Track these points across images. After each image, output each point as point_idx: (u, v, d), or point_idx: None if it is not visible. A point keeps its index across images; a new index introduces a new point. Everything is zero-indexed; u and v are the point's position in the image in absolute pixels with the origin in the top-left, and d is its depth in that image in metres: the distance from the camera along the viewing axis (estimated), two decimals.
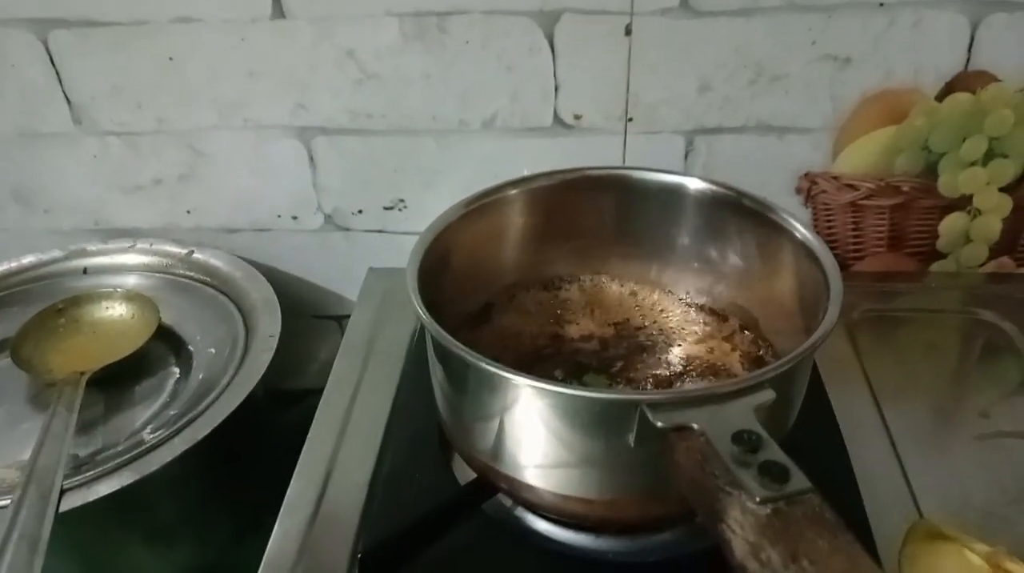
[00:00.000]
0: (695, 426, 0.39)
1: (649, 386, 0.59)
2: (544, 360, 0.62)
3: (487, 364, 0.44)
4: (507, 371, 0.44)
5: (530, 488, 0.49)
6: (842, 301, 0.48)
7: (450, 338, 0.46)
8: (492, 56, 0.71)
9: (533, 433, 0.46)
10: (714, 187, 0.60)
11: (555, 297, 0.66)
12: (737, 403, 0.41)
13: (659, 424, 0.40)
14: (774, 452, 0.37)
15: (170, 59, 0.73)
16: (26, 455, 0.59)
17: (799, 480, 0.36)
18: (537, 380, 0.43)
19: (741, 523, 0.35)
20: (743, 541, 0.35)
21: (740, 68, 0.69)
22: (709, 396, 0.41)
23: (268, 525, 0.56)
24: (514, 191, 0.62)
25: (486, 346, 0.61)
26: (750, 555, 0.34)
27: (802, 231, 0.55)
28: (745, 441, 0.38)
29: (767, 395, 0.41)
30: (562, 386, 0.44)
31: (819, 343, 0.45)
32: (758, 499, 0.35)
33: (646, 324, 0.64)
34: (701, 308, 0.64)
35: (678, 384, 0.58)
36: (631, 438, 0.42)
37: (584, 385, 0.59)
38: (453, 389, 0.51)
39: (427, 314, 0.48)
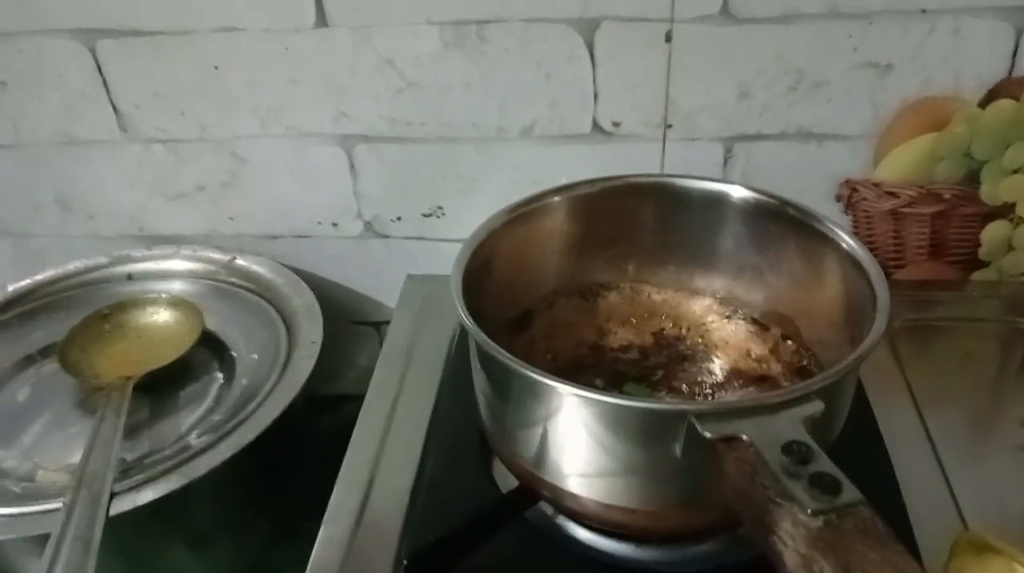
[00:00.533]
0: (744, 437, 0.39)
1: (694, 396, 0.59)
2: (584, 369, 0.62)
3: (534, 372, 0.44)
4: (554, 380, 0.44)
5: (572, 496, 0.49)
6: (889, 312, 0.48)
7: (496, 346, 0.46)
8: (531, 64, 0.71)
9: (577, 442, 0.46)
10: (757, 195, 0.60)
11: (595, 305, 0.66)
12: (786, 414, 0.40)
13: (708, 434, 0.40)
14: (824, 464, 0.37)
15: (215, 68, 0.74)
16: (75, 458, 0.60)
17: (850, 492, 0.36)
18: (584, 389, 0.43)
19: (792, 535, 0.35)
20: (794, 553, 0.35)
21: (780, 75, 0.69)
22: (758, 407, 0.41)
23: (305, 530, 0.57)
24: (557, 198, 0.62)
25: (526, 354, 0.61)
26: (802, 567, 0.35)
27: (848, 241, 0.54)
28: (795, 452, 0.38)
29: (816, 406, 0.41)
30: (609, 395, 0.44)
31: (866, 354, 0.45)
32: (809, 511, 0.35)
33: (686, 333, 0.64)
34: (743, 317, 0.64)
35: (720, 394, 0.58)
36: (677, 448, 0.42)
37: (625, 394, 0.59)
38: (496, 396, 0.52)
39: (472, 322, 0.48)
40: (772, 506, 0.37)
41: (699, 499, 0.47)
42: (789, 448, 0.38)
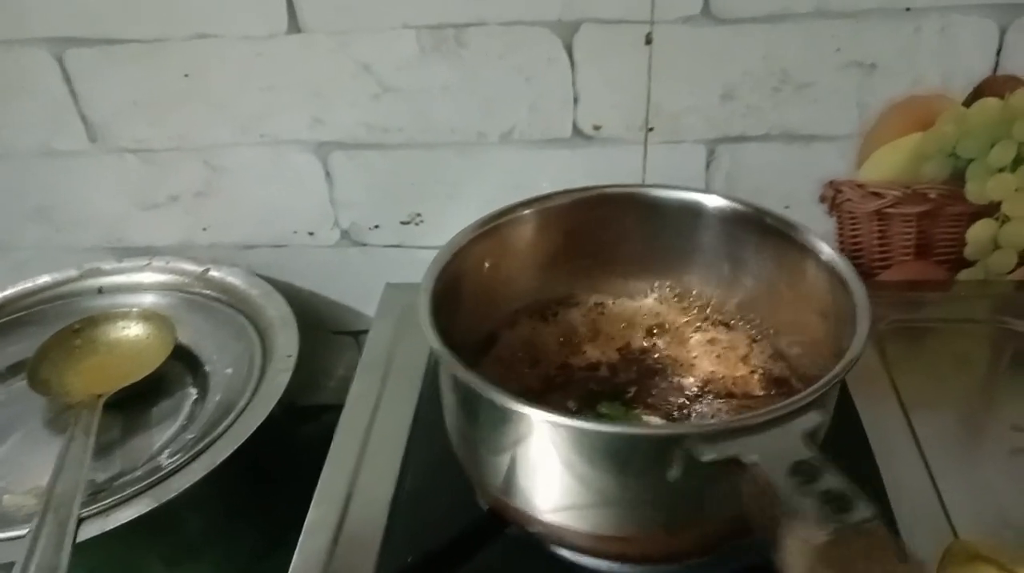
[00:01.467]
0: (746, 459, 0.38)
1: (670, 413, 0.57)
2: (555, 389, 0.60)
3: (513, 398, 0.43)
4: (535, 407, 0.42)
5: (544, 524, 0.48)
6: (870, 321, 0.47)
7: (466, 370, 0.45)
8: (510, 67, 0.70)
9: (554, 470, 0.45)
10: (734, 204, 0.59)
11: (566, 319, 0.64)
12: (787, 429, 0.39)
13: (707, 458, 0.39)
14: (834, 480, 0.36)
15: (186, 76, 0.72)
16: (44, 480, 0.58)
17: (863, 508, 0.35)
18: (567, 416, 0.42)
19: (801, 551, 0.35)
20: (800, 569, 0.35)
21: (764, 76, 0.68)
22: (759, 425, 0.40)
23: (289, 541, 0.55)
24: (527, 211, 0.61)
25: (493, 374, 0.59)
26: None
27: (826, 250, 0.53)
28: (803, 472, 0.37)
29: (815, 419, 0.40)
30: (594, 422, 0.43)
31: (852, 363, 0.44)
32: (818, 529, 0.34)
33: (661, 346, 0.62)
34: (716, 326, 0.62)
35: (697, 408, 0.57)
36: (671, 473, 0.41)
37: (599, 415, 0.57)
38: (467, 421, 0.50)
39: (441, 344, 0.46)
40: (782, 524, 0.36)
41: (690, 523, 0.46)
42: (797, 468, 0.37)
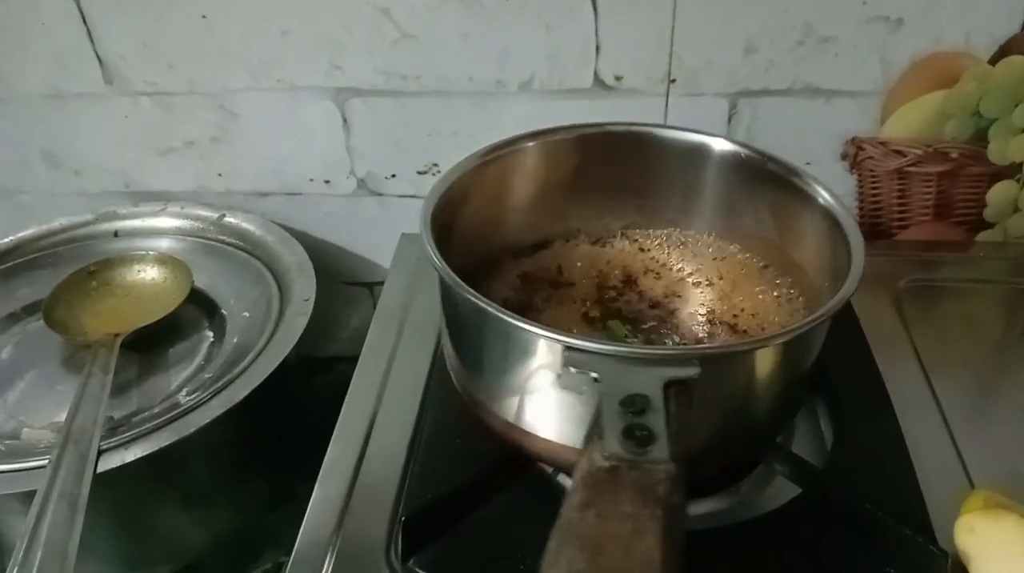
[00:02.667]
0: (594, 376, 0.40)
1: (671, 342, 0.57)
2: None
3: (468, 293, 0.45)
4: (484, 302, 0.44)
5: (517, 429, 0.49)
6: (861, 276, 0.46)
7: (455, 277, 0.46)
8: (531, 15, 0.69)
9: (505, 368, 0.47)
10: (738, 148, 0.58)
11: (567, 252, 0.64)
12: (649, 370, 0.40)
13: (571, 369, 0.41)
14: (653, 420, 0.37)
15: (203, 17, 0.72)
16: (61, 417, 0.59)
17: (657, 450, 0.36)
18: (504, 312, 0.44)
19: (580, 467, 0.36)
20: (573, 484, 0.36)
21: (787, 29, 0.67)
22: (621, 355, 0.41)
23: (301, 493, 0.56)
24: (531, 143, 0.60)
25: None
26: (566, 495, 0.35)
27: (826, 197, 0.53)
28: (632, 403, 0.38)
29: (687, 371, 0.40)
30: (513, 317, 0.43)
31: (788, 334, 0.45)
32: (606, 453, 0.35)
33: (657, 285, 0.62)
34: (718, 269, 0.62)
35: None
36: (558, 378, 0.43)
37: (605, 327, 0.58)
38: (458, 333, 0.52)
39: (441, 260, 0.47)
40: (587, 442, 0.37)
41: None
42: (630, 399, 0.38)
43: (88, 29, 0.74)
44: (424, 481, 0.54)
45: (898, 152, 0.69)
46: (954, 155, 0.69)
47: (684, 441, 0.37)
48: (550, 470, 0.54)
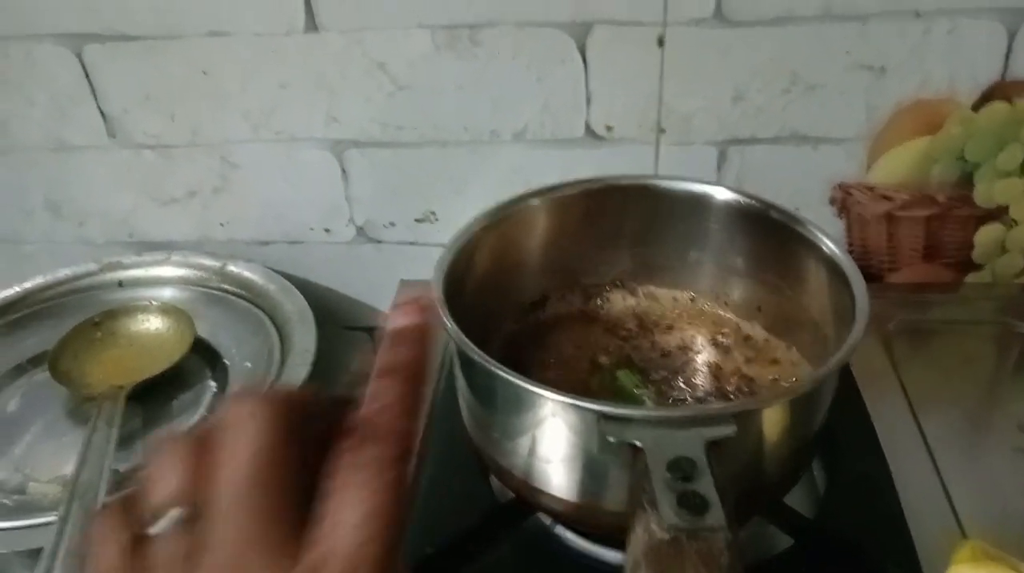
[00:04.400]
0: (638, 444, 0.40)
1: (683, 398, 0.58)
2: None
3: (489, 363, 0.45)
4: (504, 370, 0.45)
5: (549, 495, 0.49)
6: (867, 323, 0.47)
7: (473, 346, 0.47)
8: (523, 67, 0.71)
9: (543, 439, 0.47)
10: (741, 197, 0.60)
11: (588, 307, 0.66)
12: (689, 431, 0.40)
13: (610, 438, 0.41)
14: (704, 485, 0.37)
15: (204, 72, 0.73)
16: (67, 469, 0.60)
17: (713, 517, 0.36)
18: (518, 378, 0.44)
19: (639, 539, 0.36)
20: (631, 557, 0.36)
21: (774, 78, 0.69)
22: (661, 419, 0.42)
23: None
24: (536, 201, 0.62)
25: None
26: (629, 570, 0.36)
27: (829, 246, 0.54)
28: (680, 468, 0.38)
29: (725, 430, 0.41)
30: (541, 387, 0.44)
31: (799, 390, 0.46)
32: (665, 524, 0.36)
33: (668, 337, 0.64)
34: (722, 319, 0.64)
35: (711, 399, 0.58)
36: (594, 448, 0.43)
37: (615, 378, 0.59)
38: (479, 402, 0.52)
39: (455, 326, 0.48)
40: (639, 511, 0.38)
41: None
42: (676, 464, 0.38)
43: (91, 83, 0.75)
44: (423, 533, 0.55)
45: (886, 197, 0.71)
46: (941, 199, 0.71)
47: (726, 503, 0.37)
48: (549, 521, 0.55)
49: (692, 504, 0.36)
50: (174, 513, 0.26)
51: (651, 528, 0.36)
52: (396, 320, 0.29)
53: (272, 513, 0.25)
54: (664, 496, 0.37)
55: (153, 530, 0.27)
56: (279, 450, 0.26)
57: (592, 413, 0.42)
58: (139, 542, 0.27)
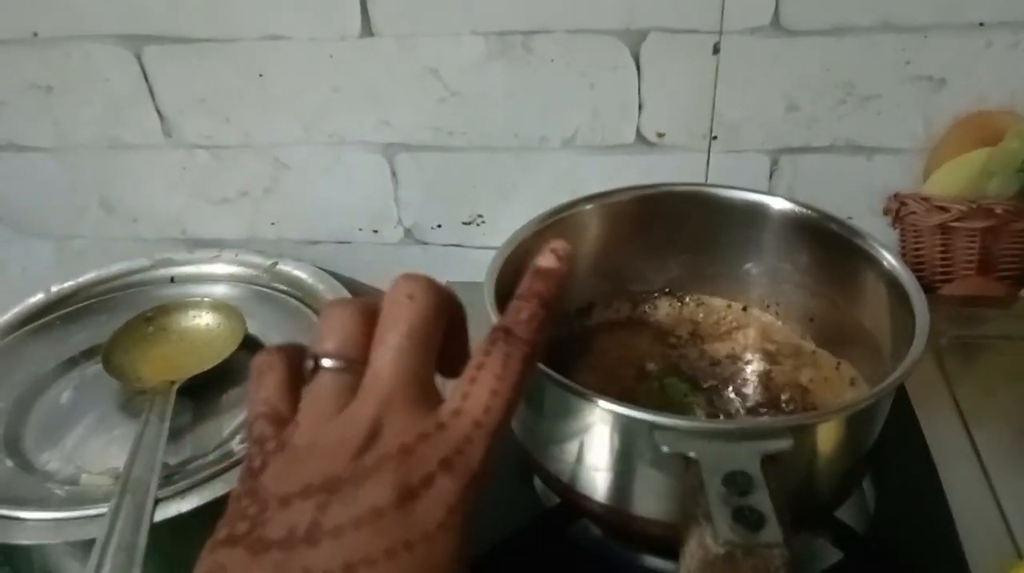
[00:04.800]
0: (692, 455, 0.40)
1: (731, 410, 0.58)
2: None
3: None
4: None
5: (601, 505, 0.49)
6: (928, 338, 0.46)
7: None
8: (575, 74, 0.71)
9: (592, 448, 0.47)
10: (798, 208, 0.59)
11: (636, 314, 0.66)
12: (745, 445, 0.40)
13: (664, 449, 0.41)
14: (760, 500, 0.37)
15: (259, 75, 0.74)
16: (118, 462, 0.60)
17: (771, 532, 0.35)
18: (567, 383, 0.44)
19: (693, 554, 0.36)
20: (685, 571, 0.37)
21: (829, 88, 0.68)
22: (716, 432, 0.42)
23: None
24: (589, 207, 0.61)
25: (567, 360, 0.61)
26: None
27: (890, 260, 0.53)
28: (736, 483, 0.38)
29: (782, 444, 0.40)
30: (593, 396, 0.44)
31: (857, 404, 0.45)
32: (720, 540, 0.35)
33: (728, 344, 0.63)
34: (776, 330, 0.63)
35: (765, 411, 0.58)
36: (646, 458, 0.43)
37: (663, 385, 0.59)
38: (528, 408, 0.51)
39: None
40: (692, 524, 0.37)
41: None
42: (732, 478, 0.38)
43: (149, 85, 0.77)
44: None
45: (941, 208, 0.70)
46: (998, 211, 0.69)
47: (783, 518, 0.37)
48: (592, 527, 0.55)
49: (748, 519, 0.36)
50: (331, 363, 0.32)
51: (706, 542, 0.36)
52: (543, 261, 0.35)
53: (420, 374, 0.32)
54: (719, 510, 0.36)
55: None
56: (430, 328, 0.32)
57: (645, 423, 0.42)
58: (295, 380, 0.33)
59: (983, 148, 0.68)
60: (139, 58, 0.75)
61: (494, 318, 0.49)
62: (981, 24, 0.64)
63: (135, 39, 0.74)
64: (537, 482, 0.57)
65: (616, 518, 0.49)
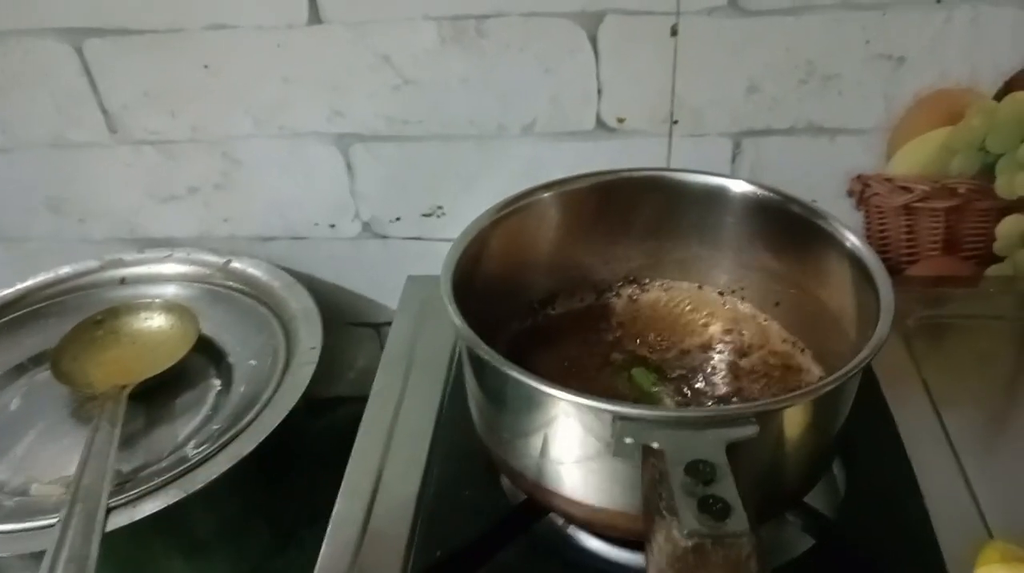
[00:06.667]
0: (656, 446, 0.39)
1: (699, 397, 0.57)
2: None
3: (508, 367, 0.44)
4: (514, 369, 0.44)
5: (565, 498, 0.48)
6: (892, 318, 0.46)
7: (484, 345, 0.45)
8: (532, 59, 0.69)
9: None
10: (759, 190, 0.58)
11: (599, 303, 0.64)
12: (709, 433, 0.39)
13: (627, 439, 0.40)
14: (725, 489, 0.36)
15: (205, 67, 0.72)
16: (69, 470, 0.59)
17: (736, 522, 0.35)
18: (532, 378, 0.43)
19: (661, 548, 0.35)
20: (655, 567, 0.36)
21: (790, 68, 0.67)
22: (679, 420, 0.41)
23: (303, 535, 0.56)
24: (547, 195, 0.60)
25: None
26: None
27: (853, 241, 0.53)
28: (699, 472, 0.37)
29: (747, 430, 0.39)
30: (555, 388, 0.43)
31: (821, 388, 0.44)
32: (685, 531, 0.34)
33: (694, 334, 0.62)
34: (739, 315, 0.62)
35: (735, 399, 0.57)
36: (610, 449, 0.42)
37: (630, 377, 0.58)
38: (489, 403, 0.51)
39: (464, 324, 0.47)
40: (657, 517, 0.37)
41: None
42: (694, 467, 0.37)
43: (91, 79, 0.74)
44: (433, 535, 0.54)
45: (905, 188, 0.69)
46: (961, 190, 0.69)
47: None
48: (560, 522, 0.54)
49: (713, 509, 0.35)
50: None
51: (673, 536, 0.35)
52: None
53: None
54: (684, 501, 0.36)
55: None
56: None
57: (608, 413, 0.41)
58: None
59: (945, 127, 0.68)
60: (80, 52, 0.72)
61: (456, 320, 0.47)
62: (939, 1, 0.63)
63: (75, 32, 0.71)
64: (504, 479, 0.56)
65: (584, 513, 0.48)
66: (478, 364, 0.49)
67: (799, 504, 0.52)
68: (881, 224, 0.71)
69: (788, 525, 0.52)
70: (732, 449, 0.38)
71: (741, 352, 0.60)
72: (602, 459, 0.44)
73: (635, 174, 0.62)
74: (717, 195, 0.60)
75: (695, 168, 0.61)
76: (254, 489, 0.67)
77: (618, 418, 0.40)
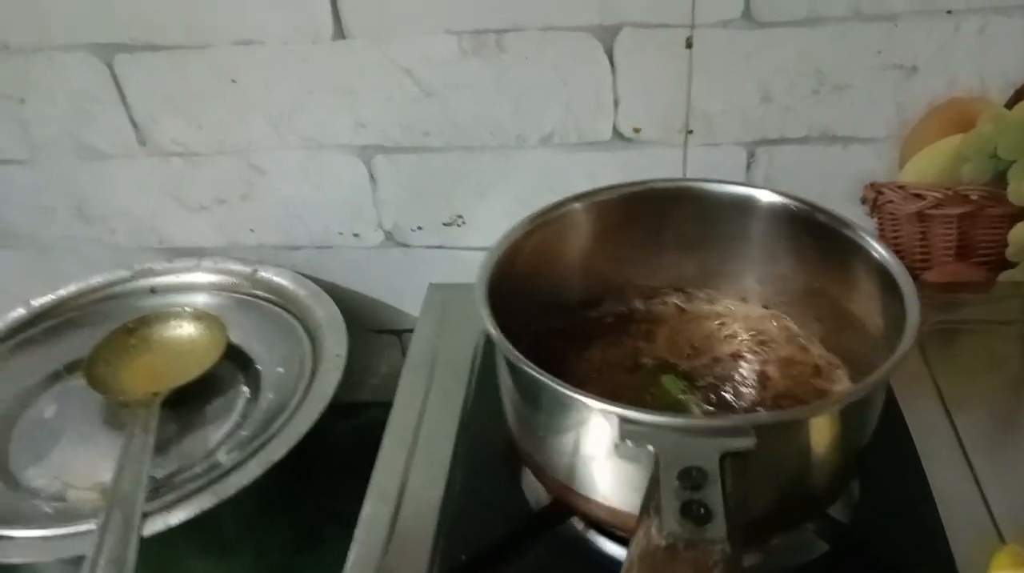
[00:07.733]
0: (651, 448, 0.40)
1: (729, 406, 0.58)
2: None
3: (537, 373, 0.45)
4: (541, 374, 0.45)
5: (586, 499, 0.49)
6: (917, 331, 0.47)
7: (519, 355, 0.47)
8: (550, 71, 0.71)
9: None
10: (786, 200, 0.59)
11: (631, 309, 0.66)
12: (706, 441, 0.41)
13: (628, 442, 0.41)
14: (710, 495, 0.38)
15: (232, 81, 0.74)
16: (104, 476, 0.61)
17: (715, 529, 0.36)
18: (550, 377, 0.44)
19: (639, 544, 0.37)
20: (629, 561, 0.37)
21: (803, 78, 0.68)
22: (678, 427, 0.42)
23: (326, 535, 0.56)
24: (578, 205, 0.61)
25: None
26: (622, 569, 0.37)
27: (880, 250, 0.53)
28: (690, 477, 0.38)
29: (743, 442, 0.40)
30: (565, 386, 0.44)
31: (828, 405, 0.46)
32: (665, 531, 0.36)
33: (711, 343, 0.63)
34: (765, 323, 0.63)
35: (759, 408, 0.58)
36: (615, 450, 0.44)
37: (659, 384, 0.59)
38: (526, 407, 0.52)
39: (499, 333, 0.48)
40: (644, 515, 0.38)
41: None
42: (687, 473, 0.39)
43: (121, 92, 0.76)
44: (457, 539, 0.55)
45: (917, 195, 0.70)
46: (974, 197, 0.70)
47: (740, 516, 0.38)
48: (581, 527, 0.55)
49: (695, 514, 0.37)
50: None
51: (651, 533, 0.37)
52: None
53: None
54: (669, 503, 0.38)
55: None
56: None
57: (615, 416, 0.43)
58: None
59: (956, 134, 0.68)
60: (111, 67, 0.75)
61: (491, 328, 0.49)
62: (949, 11, 0.64)
63: (106, 47, 0.74)
64: (526, 484, 0.57)
65: (602, 514, 0.49)
66: (511, 368, 0.51)
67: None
68: (895, 231, 0.72)
69: (803, 531, 0.53)
70: (728, 459, 0.40)
71: (770, 360, 0.61)
72: (613, 460, 0.46)
73: (662, 185, 0.63)
74: (744, 205, 0.61)
75: (712, 177, 0.62)
76: (279, 492, 0.68)
77: (623, 421, 0.42)
